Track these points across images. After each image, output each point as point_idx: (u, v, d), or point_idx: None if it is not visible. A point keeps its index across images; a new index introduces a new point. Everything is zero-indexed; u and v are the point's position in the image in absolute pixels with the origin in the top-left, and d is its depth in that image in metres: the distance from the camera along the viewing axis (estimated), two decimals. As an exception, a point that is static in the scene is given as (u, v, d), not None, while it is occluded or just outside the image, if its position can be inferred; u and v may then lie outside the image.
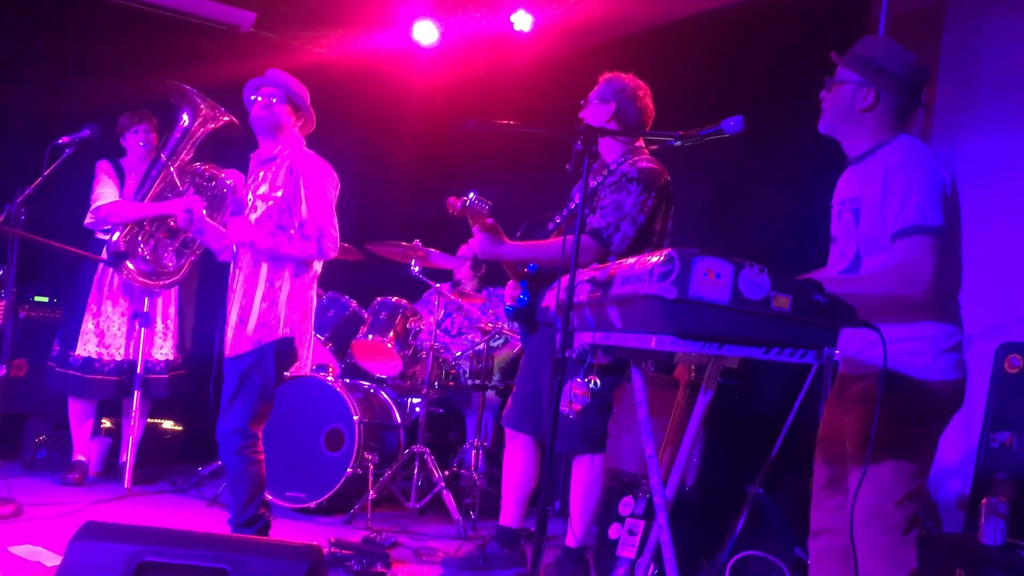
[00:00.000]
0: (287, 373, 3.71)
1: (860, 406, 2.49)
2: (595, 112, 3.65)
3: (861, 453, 2.44)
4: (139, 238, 4.79)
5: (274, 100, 3.64)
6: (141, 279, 4.77)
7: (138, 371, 4.81)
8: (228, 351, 3.56)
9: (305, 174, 3.55)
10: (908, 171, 2.41)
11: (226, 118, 4.80)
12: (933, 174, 2.41)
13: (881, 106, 2.53)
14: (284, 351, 3.53)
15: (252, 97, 3.68)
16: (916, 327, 2.43)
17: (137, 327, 4.85)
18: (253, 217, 3.59)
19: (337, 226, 3.61)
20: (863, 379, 2.51)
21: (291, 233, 3.51)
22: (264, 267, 3.56)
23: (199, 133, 4.82)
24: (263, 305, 3.52)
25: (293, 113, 3.68)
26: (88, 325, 4.82)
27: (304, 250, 3.52)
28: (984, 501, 3.45)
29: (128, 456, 4.78)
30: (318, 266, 3.71)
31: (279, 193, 3.55)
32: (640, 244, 3.46)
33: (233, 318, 3.57)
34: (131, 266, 4.73)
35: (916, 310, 2.38)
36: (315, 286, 3.70)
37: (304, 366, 3.71)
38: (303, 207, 3.52)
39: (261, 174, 3.64)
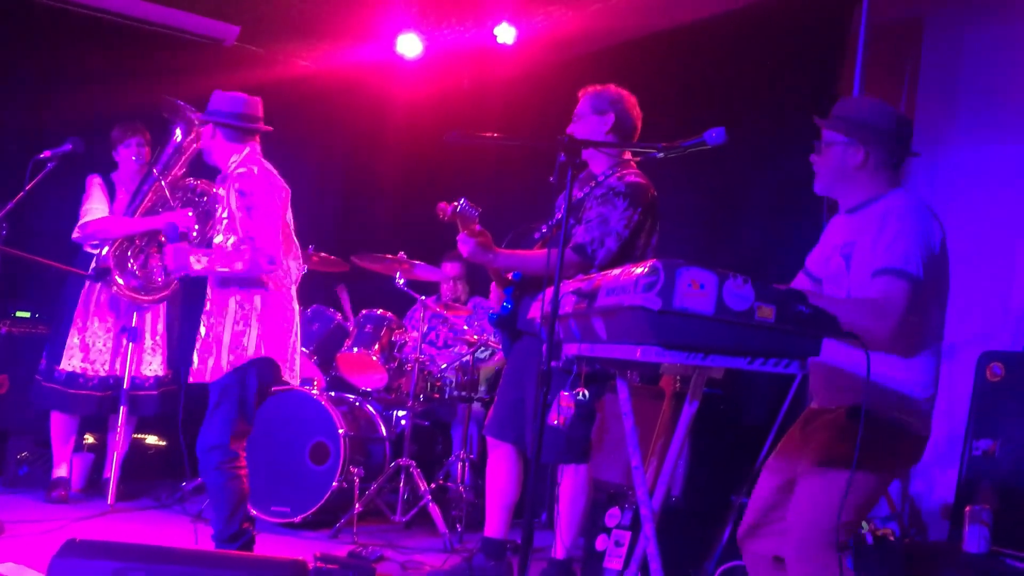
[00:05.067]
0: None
1: (824, 432, 2.53)
2: (592, 125, 3.60)
3: (814, 470, 2.47)
4: (129, 253, 4.76)
5: (211, 135, 3.70)
6: (130, 294, 4.73)
7: (124, 386, 4.77)
8: (208, 375, 3.53)
9: (244, 189, 3.52)
10: (901, 221, 2.47)
11: None
12: (924, 229, 2.47)
13: (872, 161, 2.59)
14: (264, 371, 3.52)
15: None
16: (892, 368, 2.47)
17: (125, 342, 4.81)
18: (218, 239, 3.60)
19: (282, 239, 3.56)
20: (832, 411, 2.56)
21: (227, 251, 3.48)
22: (233, 289, 3.55)
23: (191, 148, 4.78)
24: (236, 327, 3.51)
25: (234, 137, 3.67)
26: (73, 340, 4.79)
27: (234, 266, 3.46)
28: (967, 509, 3.47)
29: (112, 472, 4.75)
30: (293, 278, 3.68)
31: (226, 213, 3.58)
32: (622, 259, 3.43)
33: (209, 338, 3.56)
34: (120, 280, 4.69)
35: (879, 345, 2.40)
36: (291, 300, 3.66)
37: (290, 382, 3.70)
38: (241, 223, 3.50)
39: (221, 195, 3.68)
